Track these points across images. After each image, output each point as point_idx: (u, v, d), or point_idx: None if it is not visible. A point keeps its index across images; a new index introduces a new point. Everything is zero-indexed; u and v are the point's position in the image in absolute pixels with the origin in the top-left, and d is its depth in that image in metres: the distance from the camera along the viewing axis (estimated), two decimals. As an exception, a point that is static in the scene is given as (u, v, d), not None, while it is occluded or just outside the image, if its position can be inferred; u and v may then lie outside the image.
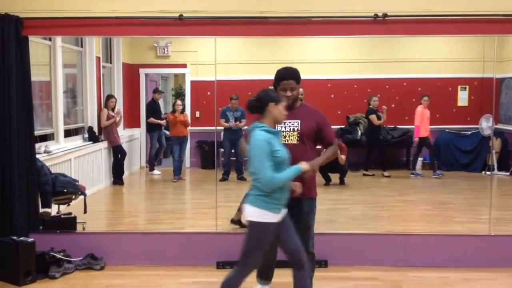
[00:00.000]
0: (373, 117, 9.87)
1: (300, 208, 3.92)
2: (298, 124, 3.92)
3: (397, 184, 9.41)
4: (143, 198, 9.05)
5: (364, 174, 9.90)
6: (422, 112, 9.85)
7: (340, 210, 6.42)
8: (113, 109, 9.22)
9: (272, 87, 4.38)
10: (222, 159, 9.86)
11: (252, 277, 4.97)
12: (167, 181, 9.87)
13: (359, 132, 10.51)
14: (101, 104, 9.26)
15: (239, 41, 10.06)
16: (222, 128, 9.71)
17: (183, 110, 10.03)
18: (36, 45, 6.94)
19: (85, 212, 5.95)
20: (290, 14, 5.19)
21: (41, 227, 5.45)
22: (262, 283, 4.34)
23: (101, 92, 9.36)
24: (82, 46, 8.78)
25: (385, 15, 5.10)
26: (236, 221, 6.07)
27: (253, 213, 3.60)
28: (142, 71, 11.11)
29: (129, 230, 6.27)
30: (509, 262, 5.19)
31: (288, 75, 4.09)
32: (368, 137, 10.14)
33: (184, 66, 11.24)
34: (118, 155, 9.17)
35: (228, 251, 5.27)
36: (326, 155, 3.94)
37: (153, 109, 10.37)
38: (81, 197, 6.01)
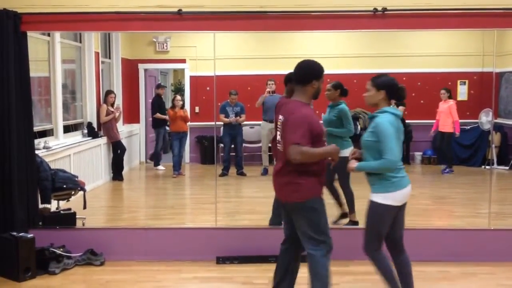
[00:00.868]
0: None
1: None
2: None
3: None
4: (142, 194, 9.05)
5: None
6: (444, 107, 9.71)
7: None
8: (112, 105, 9.21)
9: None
10: (222, 154, 9.86)
11: (254, 277, 4.99)
12: (167, 176, 9.87)
13: (359, 127, 10.50)
14: (100, 100, 9.25)
15: (238, 36, 10.03)
16: (222, 123, 9.70)
17: (182, 106, 10.01)
18: (35, 40, 6.93)
19: (84, 207, 5.95)
20: (290, 9, 5.18)
21: (40, 223, 5.46)
22: None
23: (100, 87, 9.34)
24: (81, 42, 8.76)
25: (384, 9, 5.09)
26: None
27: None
28: (141, 67, 11.08)
29: (128, 225, 6.27)
30: (509, 256, 5.20)
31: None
32: None
33: (183, 61, 11.22)
34: (117, 150, 9.16)
35: (228, 246, 5.29)
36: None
37: (158, 105, 10.35)
38: (81, 192, 6.00)
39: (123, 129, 9.87)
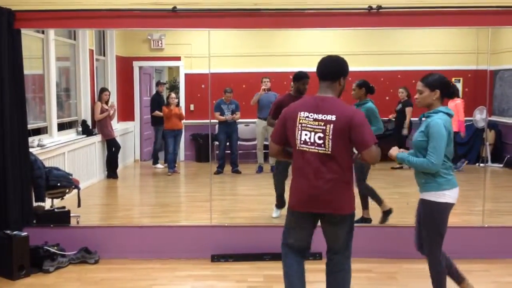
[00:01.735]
0: None
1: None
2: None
3: (392, 176, 9.40)
4: (137, 192, 9.04)
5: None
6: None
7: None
8: (106, 102, 9.18)
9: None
10: (217, 152, 9.86)
11: (249, 275, 4.99)
12: (162, 174, 9.86)
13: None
14: (95, 98, 9.22)
15: (233, 33, 10.03)
16: (217, 121, 9.69)
17: (177, 103, 10.00)
18: (29, 38, 6.90)
19: (79, 206, 5.94)
20: (284, 6, 5.17)
21: (34, 221, 5.44)
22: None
23: (94, 85, 9.32)
24: (75, 39, 8.73)
25: (379, 7, 5.09)
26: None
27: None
28: (136, 64, 11.07)
29: (123, 223, 6.26)
30: (502, 254, 5.22)
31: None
32: None
33: (178, 58, 11.21)
34: (112, 148, 9.14)
35: (223, 244, 5.29)
36: None
37: (158, 102, 10.33)
38: (75, 191, 5.99)
39: (117, 126, 9.85)
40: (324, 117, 3.32)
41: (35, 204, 5.57)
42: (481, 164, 9.36)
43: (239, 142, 10.09)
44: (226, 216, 6.60)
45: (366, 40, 10.06)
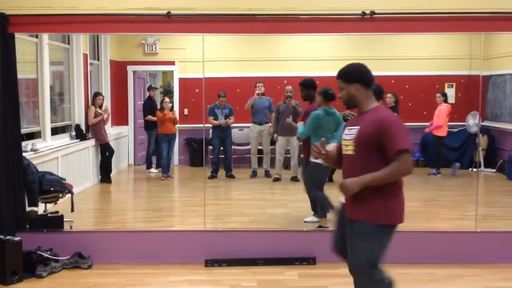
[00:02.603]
0: None
1: (348, 228, 3.43)
2: (356, 131, 3.30)
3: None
4: (131, 196, 9.02)
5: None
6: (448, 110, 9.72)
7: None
8: (100, 107, 9.17)
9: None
10: (211, 156, 9.86)
11: (243, 280, 4.99)
12: (156, 179, 9.84)
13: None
14: (89, 102, 9.21)
15: (227, 38, 10.05)
16: (211, 125, 9.70)
17: (171, 108, 10.00)
18: (23, 42, 6.89)
19: (72, 210, 5.92)
20: (278, 12, 5.19)
21: (27, 226, 5.41)
22: None
23: (88, 89, 9.30)
24: (69, 43, 8.72)
25: (372, 13, 5.11)
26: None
27: None
28: (130, 68, 11.07)
29: (117, 228, 6.25)
30: (495, 258, 5.24)
31: (337, 73, 3.49)
32: None
33: (172, 63, 11.21)
34: (105, 153, 9.12)
35: (217, 249, 5.28)
36: (376, 175, 3.17)
37: (150, 107, 10.31)
38: (68, 195, 5.96)
39: (111, 131, 9.83)
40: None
41: (28, 208, 5.56)
42: (474, 169, 9.40)
43: (233, 147, 10.10)
44: (220, 220, 6.59)
45: (359, 46, 10.10)
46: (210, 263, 5.20)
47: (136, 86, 11.21)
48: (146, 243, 5.38)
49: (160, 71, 13.26)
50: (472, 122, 9.86)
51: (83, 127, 8.83)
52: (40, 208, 5.85)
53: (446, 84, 10.84)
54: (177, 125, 10.03)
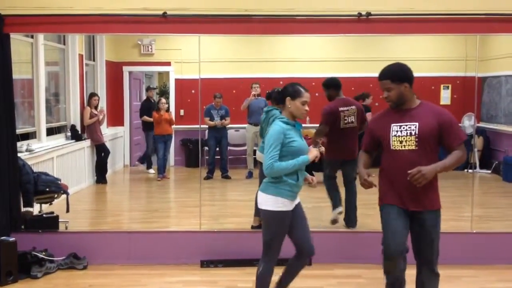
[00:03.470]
0: (369, 114, 9.88)
1: (422, 221, 3.61)
2: (416, 127, 3.51)
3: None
4: (126, 197, 9.00)
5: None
6: None
7: (325, 208, 6.42)
8: (96, 107, 9.15)
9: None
10: (207, 157, 9.85)
11: (238, 280, 4.98)
12: (151, 179, 9.83)
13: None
14: (84, 102, 9.19)
15: (223, 39, 10.06)
16: (207, 126, 9.69)
17: (168, 109, 9.98)
18: (18, 42, 6.87)
19: (67, 211, 5.90)
20: (274, 13, 5.19)
21: (22, 227, 5.39)
22: None
23: (84, 90, 9.29)
24: (64, 44, 8.70)
25: (368, 14, 5.12)
26: (256, 227, 5.99)
27: (266, 201, 3.65)
28: (126, 69, 11.06)
29: (112, 229, 6.23)
30: (491, 259, 5.25)
31: (381, 74, 3.77)
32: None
33: (168, 64, 11.21)
34: (101, 153, 9.11)
35: (212, 249, 5.28)
36: (446, 162, 3.55)
37: (147, 108, 10.29)
38: (64, 196, 5.95)
39: (107, 131, 9.82)
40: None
41: (23, 209, 5.54)
42: (470, 170, 9.42)
43: (229, 148, 10.09)
44: (215, 221, 6.59)
45: (355, 47, 10.12)
46: (206, 263, 5.19)
47: (132, 87, 11.20)
48: (141, 243, 5.37)
49: (156, 72, 13.25)
50: (468, 123, 9.89)
51: (78, 127, 8.82)
52: (35, 209, 5.83)
53: (442, 86, 10.87)
54: (173, 126, 10.02)
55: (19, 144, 6.08)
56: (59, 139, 8.30)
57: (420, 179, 3.38)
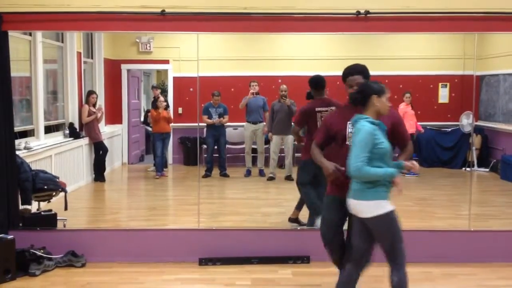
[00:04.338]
0: None
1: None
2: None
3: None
4: (124, 195, 9.00)
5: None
6: (404, 110, 9.84)
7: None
8: (94, 105, 9.14)
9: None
10: (205, 155, 9.85)
11: (237, 278, 4.99)
12: (150, 177, 9.83)
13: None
14: (82, 100, 9.18)
15: (221, 37, 10.04)
16: (205, 124, 9.69)
17: (166, 107, 9.97)
18: (16, 40, 6.86)
19: (65, 209, 5.90)
20: (273, 11, 5.18)
21: (21, 224, 5.39)
22: None
23: (82, 88, 9.27)
24: (63, 41, 8.69)
25: (367, 12, 5.12)
26: (294, 219, 6.07)
27: (371, 207, 3.58)
28: (124, 67, 11.04)
29: (110, 227, 6.23)
30: (489, 257, 5.26)
31: (353, 70, 4.06)
32: None
33: (166, 62, 11.20)
34: (99, 151, 9.10)
35: (211, 247, 5.28)
36: (404, 157, 3.87)
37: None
38: (62, 194, 5.95)
39: (105, 129, 9.81)
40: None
41: (21, 207, 5.54)
42: (468, 169, 9.44)
43: (227, 146, 10.09)
44: (214, 219, 6.59)
45: (354, 45, 10.11)
46: (204, 261, 5.19)
47: (130, 85, 11.18)
48: (139, 241, 5.37)
49: (154, 70, 13.23)
50: (466, 121, 9.90)
51: (76, 125, 8.81)
52: (34, 207, 5.83)
53: (440, 84, 10.88)
54: (171, 124, 10.01)
55: (17, 142, 6.06)
56: (57, 137, 8.29)
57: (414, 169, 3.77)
